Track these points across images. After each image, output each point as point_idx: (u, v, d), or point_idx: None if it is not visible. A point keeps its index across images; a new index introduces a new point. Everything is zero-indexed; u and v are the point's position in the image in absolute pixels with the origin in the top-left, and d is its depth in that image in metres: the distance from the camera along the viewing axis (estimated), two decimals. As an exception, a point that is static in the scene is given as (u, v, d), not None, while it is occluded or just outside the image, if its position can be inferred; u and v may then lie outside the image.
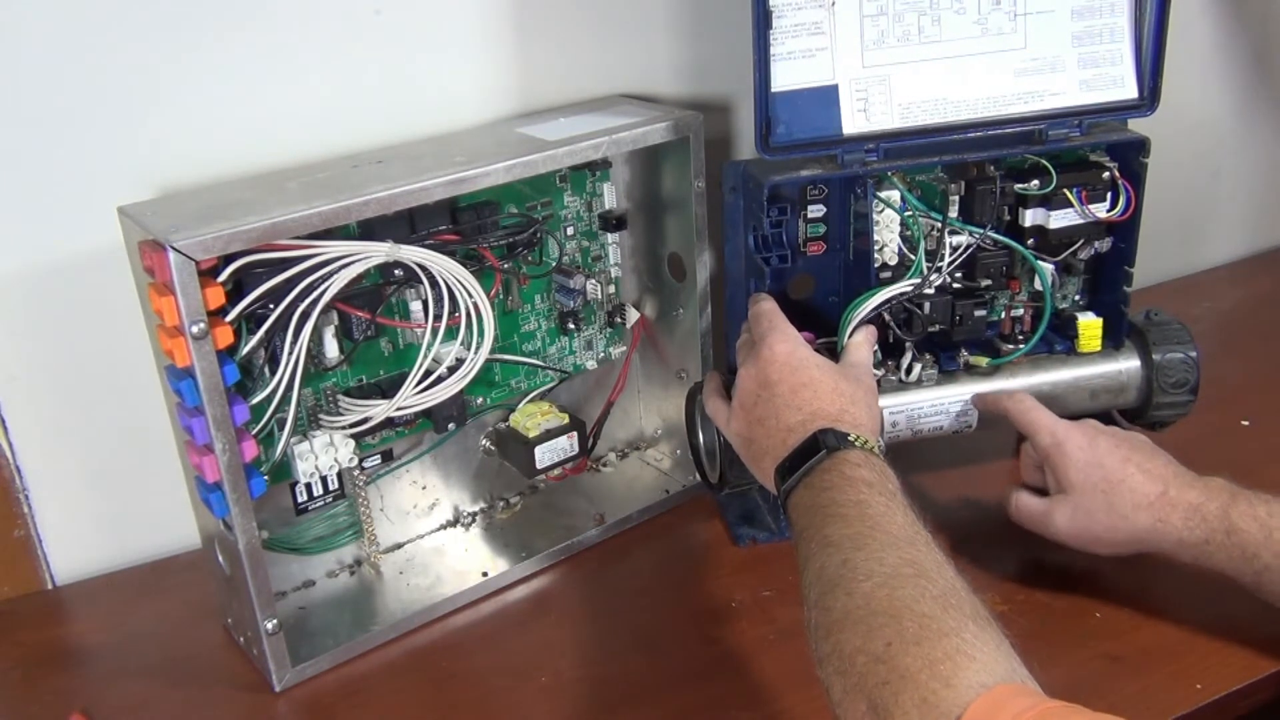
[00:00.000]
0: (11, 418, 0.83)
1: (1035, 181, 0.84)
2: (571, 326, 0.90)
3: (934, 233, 0.85)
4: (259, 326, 0.71)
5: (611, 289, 0.92)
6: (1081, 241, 0.87)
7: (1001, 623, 0.55)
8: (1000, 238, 0.86)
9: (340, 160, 0.80)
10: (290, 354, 0.72)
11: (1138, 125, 0.85)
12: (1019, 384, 0.87)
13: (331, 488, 0.82)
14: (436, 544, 0.91)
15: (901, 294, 0.85)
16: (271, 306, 0.70)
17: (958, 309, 0.87)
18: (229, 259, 0.67)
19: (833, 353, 0.80)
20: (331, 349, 0.77)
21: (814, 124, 0.81)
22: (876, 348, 0.83)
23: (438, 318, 0.77)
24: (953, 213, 0.85)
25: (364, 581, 0.87)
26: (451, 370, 0.81)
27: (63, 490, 0.87)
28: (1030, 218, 0.85)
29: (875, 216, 0.83)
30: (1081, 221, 0.85)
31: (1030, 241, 0.86)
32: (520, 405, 0.90)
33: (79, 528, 0.88)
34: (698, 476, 0.89)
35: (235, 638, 0.81)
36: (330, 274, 0.71)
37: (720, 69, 0.98)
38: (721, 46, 0.97)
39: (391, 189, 0.71)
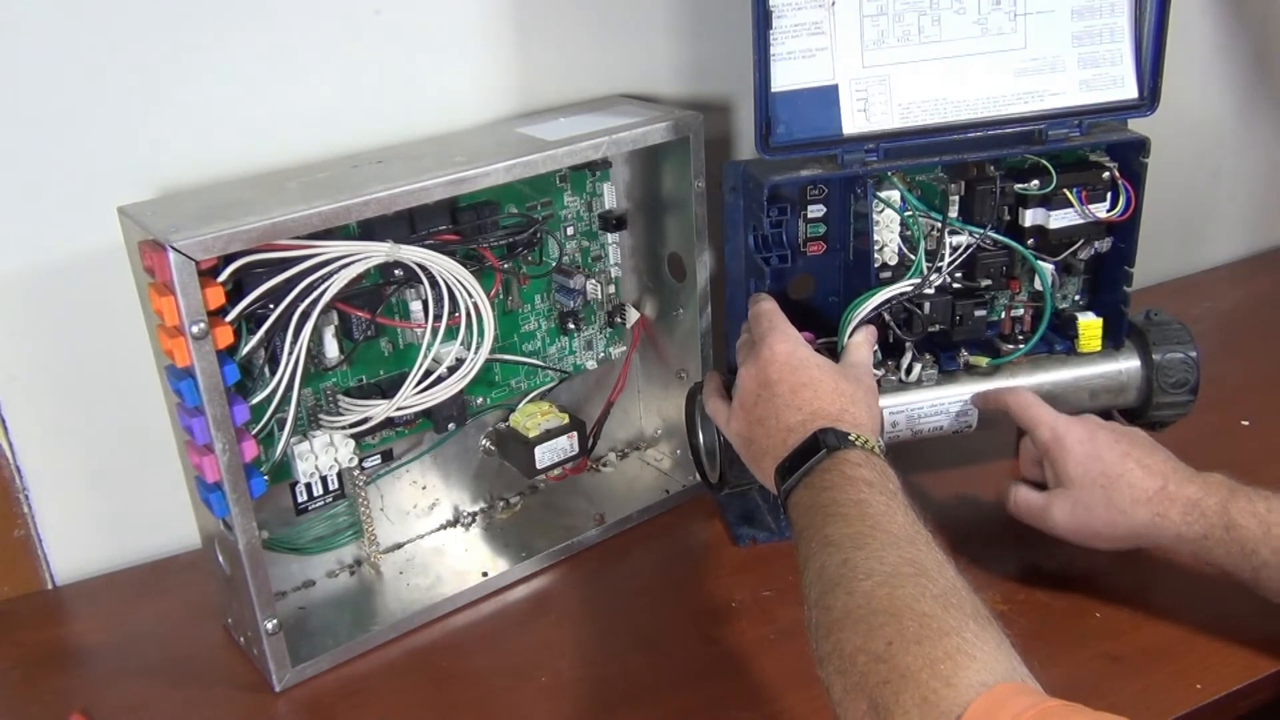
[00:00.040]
0: (11, 418, 0.83)
1: (1035, 181, 0.84)
2: (571, 326, 0.90)
3: (934, 233, 0.85)
4: (259, 326, 0.71)
5: (611, 289, 0.92)
6: (1081, 241, 0.87)
7: (1001, 622, 0.55)
8: (1000, 238, 0.86)
9: (340, 160, 0.80)
10: (290, 354, 0.72)
11: (1138, 125, 0.85)
12: (1019, 384, 0.86)
13: (331, 488, 0.82)
14: (436, 544, 0.91)
15: (901, 294, 0.85)
16: (271, 306, 0.70)
17: (958, 309, 0.87)
18: (229, 259, 0.67)
19: (833, 353, 0.80)
20: (331, 349, 0.77)
21: (814, 124, 0.81)
22: (876, 348, 0.83)
23: (438, 318, 0.77)
24: (953, 213, 0.85)
25: (364, 581, 0.87)
26: (451, 370, 0.81)
27: (63, 490, 0.87)
28: (1030, 218, 0.85)
29: (875, 216, 0.83)
30: (1081, 221, 0.85)
31: (1030, 241, 0.86)
32: (520, 405, 0.90)
33: (79, 528, 0.88)
34: (698, 476, 0.89)
35: (235, 638, 0.81)
36: (330, 274, 0.71)
37: (720, 69, 0.98)
38: (721, 46, 0.97)
39: (391, 189, 0.71)
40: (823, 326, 0.84)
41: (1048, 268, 0.87)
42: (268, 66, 0.82)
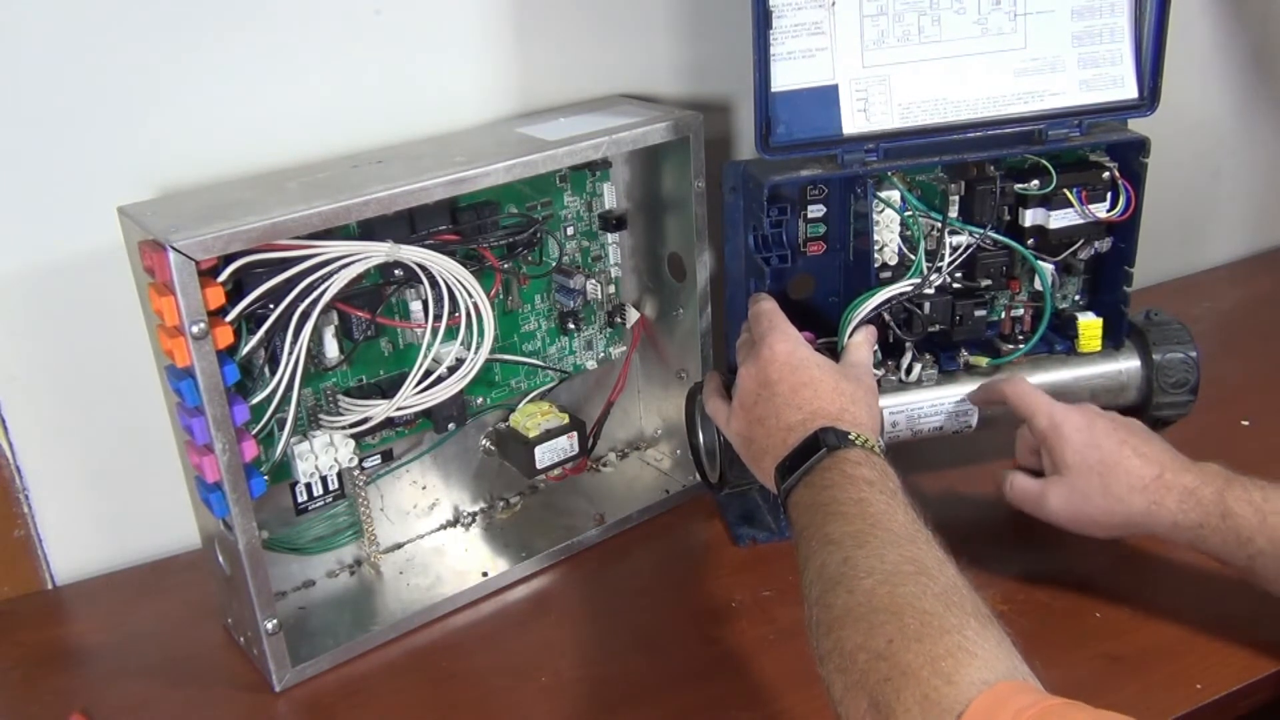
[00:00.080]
0: (11, 418, 0.83)
1: (1035, 181, 0.84)
2: (571, 326, 0.90)
3: (934, 233, 0.85)
4: (259, 326, 0.71)
5: (611, 289, 0.92)
6: (1081, 241, 0.87)
7: (1002, 621, 0.55)
8: (1000, 238, 0.86)
9: (340, 160, 0.80)
10: (290, 354, 0.72)
11: (1138, 125, 0.85)
12: (1019, 382, 0.87)
13: (331, 488, 0.82)
14: (436, 544, 0.91)
15: (901, 294, 0.85)
16: (271, 306, 0.70)
17: (958, 309, 0.87)
18: (229, 259, 0.67)
19: (833, 353, 0.80)
20: (331, 349, 0.77)
21: (814, 124, 0.81)
22: (876, 348, 0.83)
23: (438, 318, 0.77)
24: (953, 213, 0.85)
25: (364, 581, 0.87)
26: (451, 370, 0.81)
27: (63, 490, 0.87)
28: (1030, 218, 0.85)
29: (875, 216, 0.83)
30: (1081, 221, 0.85)
31: (1030, 241, 0.86)
32: (520, 405, 0.90)
33: (79, 528, 0.88)
34: (698, 476, 0.89)
35: (235, 638, 0.81)
36: (330, 274, 0.71)
37: (720, 69, 0.98)
38: (721, 46, 0.97)
39: (391, 189, 0.71)
40: (823, 326, 0.84)
41: (1048, 268, 0.87)
42: (268, 66, 0.82)
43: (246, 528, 0.71)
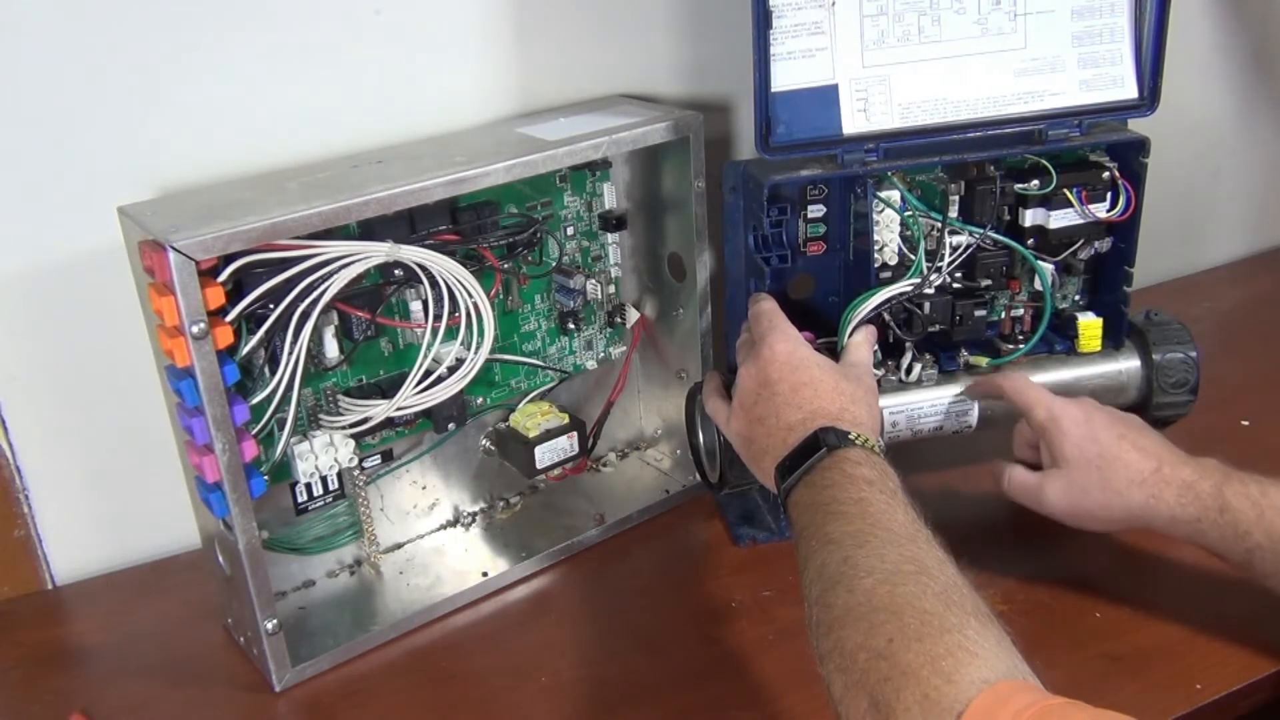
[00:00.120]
0: (11, 418, 0.83)
1: (1035, 181, 0.84)
2: (571, 326, 0.90)
3: (934, 233, 0.85)
4: (259, 326, 0.71)
5: (611, 289, 0.92)
6: (1081, 241, 0.87)
7: (1002, 621, 0.55)
8: (1000, 238, 0.86)
9: (340, 160, 0.80)
10: (290, 354, 0.72)
11: (1138, 125, 0.85)
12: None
13: (331, 488, 0.82)
14: (436, 544, 0.91)
15: (901, 294, 0.85)
16: (271, 306, 0.70)
17: (958, 309, 0.87)
18: (229, 259, 0.67)
19: (833, 352, 0.80)
20: (331, 349, 0.77)
21: (814, 124, 0.81)
22: (876, 347, 0.83)
23: (438, 318, 0.77)
24: (953, 213, 0.85)
25: (364, 581, 0.87)
26: (451, 370, 0.81)
27: (63, 490, 0.87)
28: (1030, 218, 0.85)
29: (875, 216, 0.83)
30: (1081, 221, 0.85)
31: (1030, 241, 0.86)
32: (520, 405, 0.90)
33: (79, 528, 0.88)
34: (698, 476, 0.89)
35: (235, 638, 0.81)
36: (330, 274, 0.71)
37: (720, 69, 0.98)
38: (721, 46, 0.97)
39: (391, 189, 0.71)
40: (823, 326, 0.84)
41: (1048, 268, 0.87)
42: (268, 66, 0.82)
43: (246, 528, 0.71)
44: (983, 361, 0.87)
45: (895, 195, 0.83)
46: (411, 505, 0.90)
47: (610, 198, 0.89)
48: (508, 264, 0.84)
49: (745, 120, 1.00)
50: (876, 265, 0.85)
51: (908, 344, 0.86)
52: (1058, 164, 0.83)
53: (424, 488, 0.91)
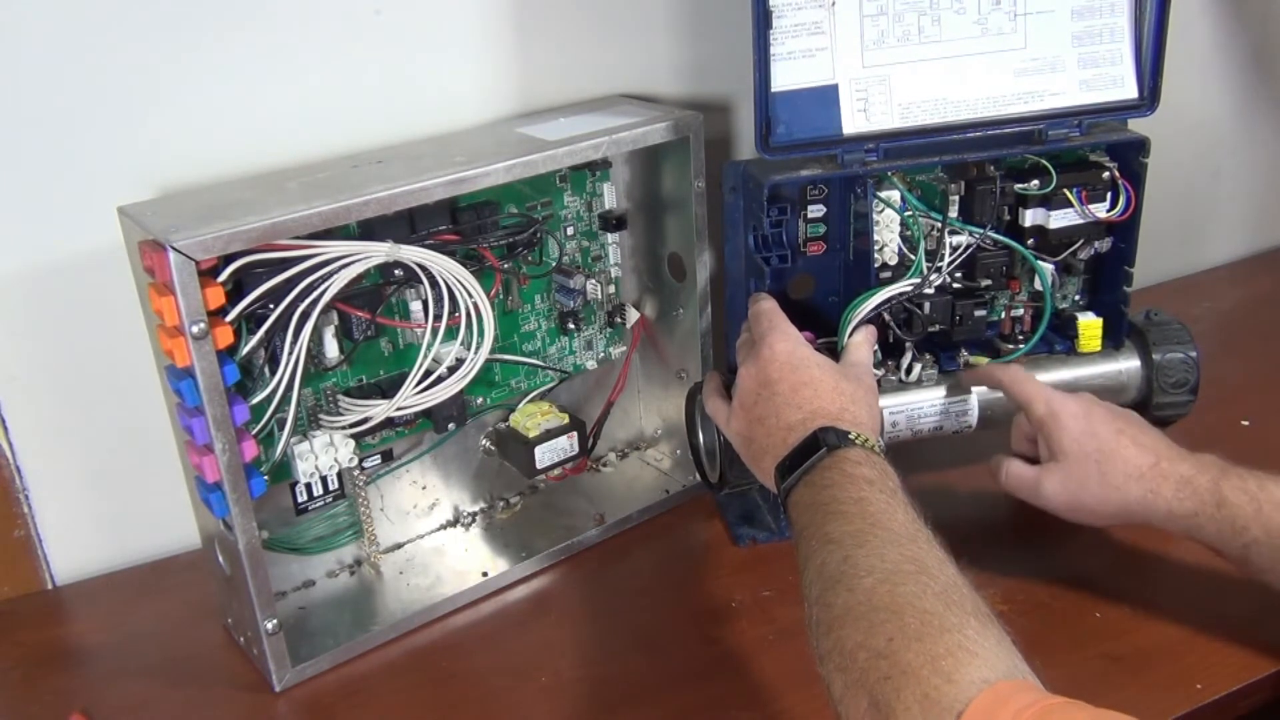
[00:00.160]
0: (11, 418, 0.83)
1: (1035, 181, 0.84)
2: (571, 326, 0.90)
3: (934, 233, 0.85)
4: (259, 326, 0.71)
5: (611, 289, 0.92)
6: (1081, 241, 0.87)
7: (1002, 621, 0.55)
8: (1000, 238, 0.86)
9: (340, 160, 0.80)
10: (290, 354, 0.72)
11: (1138, 125, 0.85)
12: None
13: (331, 488, 0.82)
14: (436, 544, 0.91)
15: (901, 294, 0.85)
16: (271, 306, 0.70)
17: (958, 309, 0.87)
18: (229, 259, 0.67)
19: (833, 352, 0.80)
20: (331, 349, 0.77)
21: (814, 124, 0.81)
22: (876, 347, 0.83)
23: (438, 318, 0.77)
24: (953, 213, 0.85)
25: (364, 581, 0.87)
26: (451, 370, 0.81)
27: (63, 490, 0.87)
28: (1030, 218, 0.85)
29: (875, 216, 0.83)
30: (1081, 221, 0.85)
31: (1030, 241, 0.86)
32: (520, 405, 0.90)
33: (79, 528, 0.88)
34: (698, 476, 0.89)
35: (235, 638, 0.81)
36: (330, 274, 0.71)
37: (720, 69, 0.98)
38: (721, 46, 0.97)
39: (391, 189, 0.71)
40: (823, 326, 0.84)
41: (1048, 268, 0.87)
42: (268, 66, 0.82)
43: (246, 528, 0.71)
44: (983, 361, 0.87)
45: (895, 195, 0.83)
46: (411, 505, 0.90)
47: (610, 198, 0.89)
48: (508, 264, 0.84)
49: (745, 120, 1.00)
50: (876, 265, 0.85)
51: (908, 344, 0.86)
52: (1058, 164, 0.84)
53: (424, 488, 0.91)
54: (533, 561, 0.88)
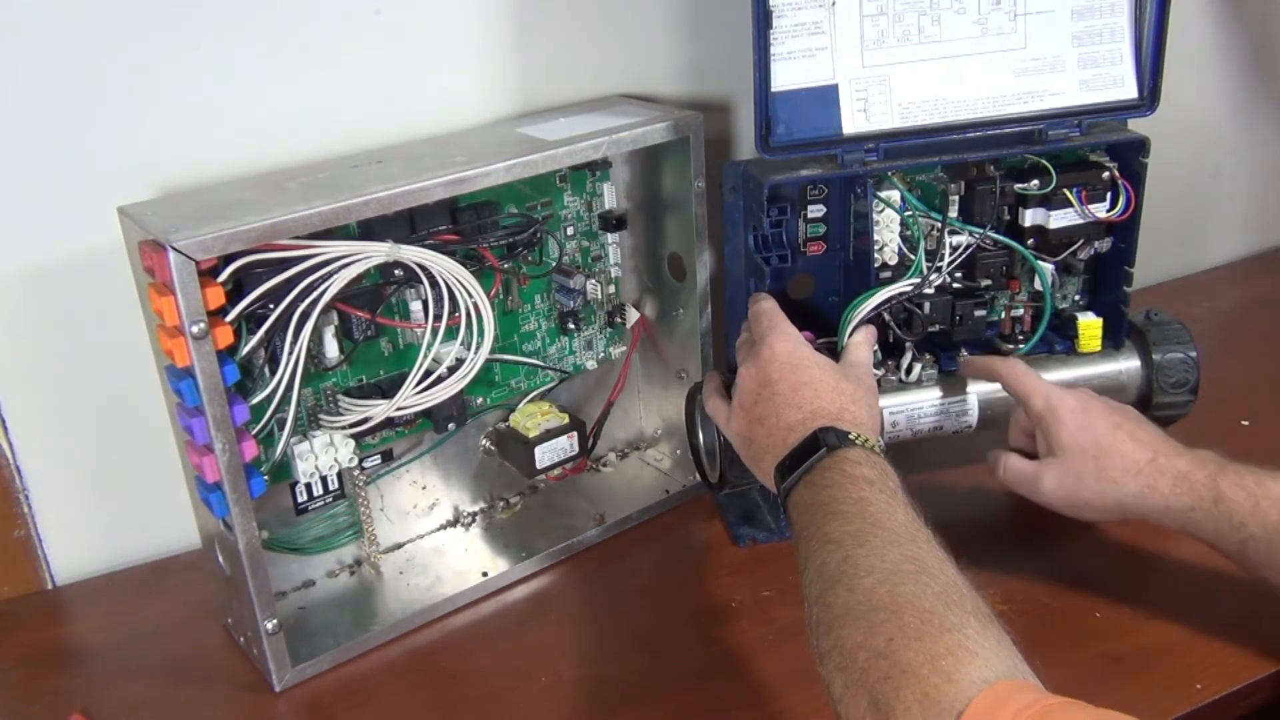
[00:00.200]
0: (11, 418, 0.83)
1: (1035, 181, 0.84)
2: (571, 326, 0.90)
3: (934, 233, 0.85)
4: (259, 326, 0.71)
5: (611, 289, 0.92)
6: (1081, 241, 0.87)
7: (1002, 621, 0.55)
8: (1000, 238, 0.86)
9: (340, 160, 0.80)
10: (290, 354, 0.72)
11: (1138, 125, 0.85)
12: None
13: (331, 488, 0.82)
14: (436, 544, 0.91)
15: (901, 294, 0.85)
16: (271, 306, 0.70)
17: (958, 309, 0.87)
18: (229, 259, 0.67)
19: (833, 352, 0.80)
20: (331, 349, 0.77)
21: (814, 124, 0.81)
22: (876, 347, 0.83)
23: (438, 318, 0.77)
24: (953, 213, 0.85)
25: (364, 581, 0.87)
26: (451, 370, 0.81)
27: (63, 490, 0.87)
28: (1030, 218, 0.85)
29: (875, 216, 0.83)
30: (1081, 221, 0.85)
31: (1030, 241, 0.86)
32: (520, 405, 0.90)
33: (79, 528, 0.88)
34: (698, 476, 0.89)
35: (235, 638, 0.81)
36: (330, 274, 0.71)
37: (720, 69, 0.98)
38: (721, 46, 0.97)
39: (391, 189, 0.71)
40: (823, 326, 0.84)
41: (1048, 268, 0.87)
42: (268, 66, 0.82)
43: (246, 528, 0.71)
44: (983, 361, 0.87)
45: (895, 195, 0.83)
46: (411, 505, 0.90)
47: (610, 198, 0.89)
48: (508, 264, 0.84)
49: (745, 120, 1.00)
50: (876, 265, 0.85)
51: (908, 344, 0.86)
52: (1058, 164, 0.84)
53: (424, 488, 0.91)
54: (533, 561, 0.88)
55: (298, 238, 0.69)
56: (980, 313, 0.88)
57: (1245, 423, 1.01)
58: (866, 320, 0.83)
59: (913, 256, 0.85)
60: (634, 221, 0.92)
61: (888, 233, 0.84)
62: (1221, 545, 0.72)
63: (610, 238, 0.91)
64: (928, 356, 0.87)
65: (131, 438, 0.86)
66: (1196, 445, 0.76)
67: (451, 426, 0.84)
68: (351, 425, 0.79)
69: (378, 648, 0.81)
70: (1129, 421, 0.77)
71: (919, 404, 0.86)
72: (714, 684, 0.76)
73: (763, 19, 0.77)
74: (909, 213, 0.84)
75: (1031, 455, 0.80)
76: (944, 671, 0.50)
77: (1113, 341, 0.89)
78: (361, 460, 0.82)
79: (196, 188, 0.79)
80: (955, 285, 0.88)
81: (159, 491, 0.86)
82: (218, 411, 0.68)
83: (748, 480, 0.80)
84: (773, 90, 0.79)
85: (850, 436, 0.67)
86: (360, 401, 0.79)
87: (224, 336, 0.67)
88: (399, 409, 0.79)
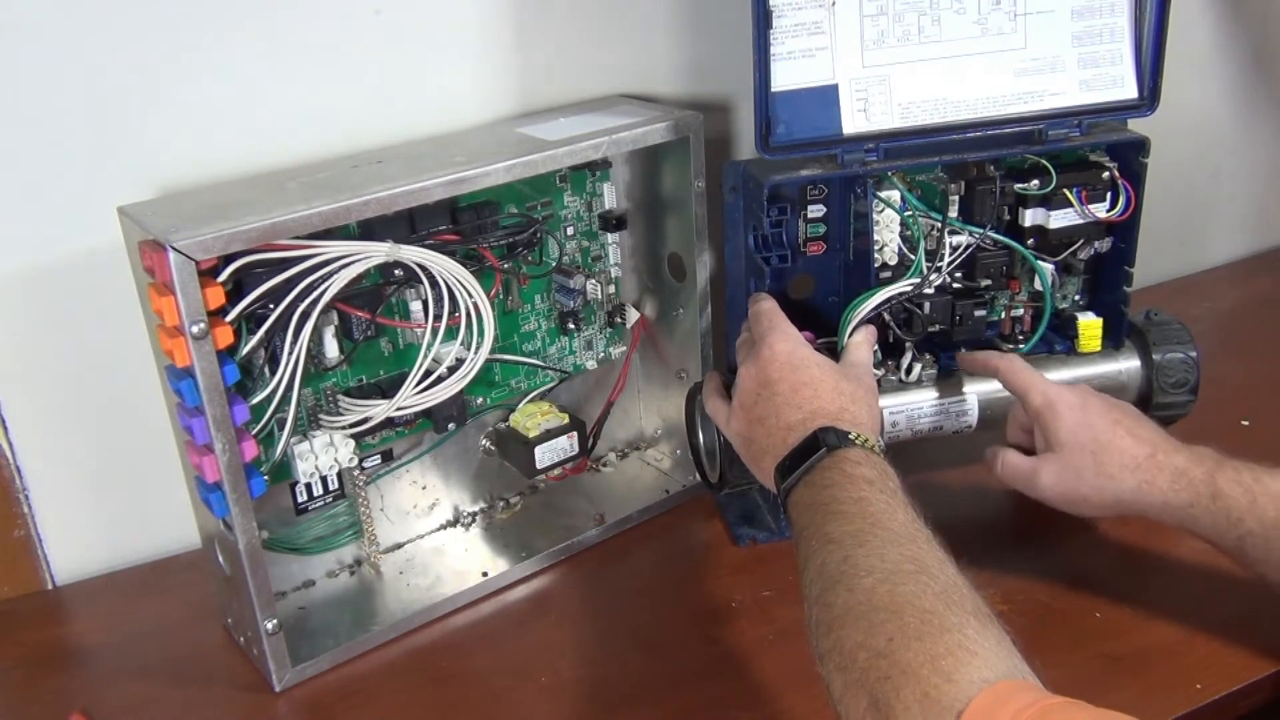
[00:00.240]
0: (11, 418, 0.83)
1: (1035, 181, 0.84)
2: (571, 326, 0.90)
3: (934, 233, 0.85)
4: (259, 326, 0.71)
5: (611, 289, 0.92)
6: (1081, 241, 0.87)
7: (1002, 621, 0.55)
8: (1000, 238, 0.86)
9: (340, 160, 0.80)
10: (290, 354, 0.72)
11: (1138, 125, 0.85)
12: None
13: (331, 488, 0.82)
14: (436, 544, 0.91)
15: (901, 294, 0.85)
16: (271, 306, 0.70)
17: (958, 309, 0.87)
18: (229, 259, 0.67)
19: (833, 352, 0.80)
20: (331, 349, 0.77)
21: (814, 124, 0.81)
22: (876, 347, 0.83)
23: (438, 318, 0.77)
24: (953, 213, 0.85)
25: (364, 581, 0.87)
26: (451, 370, 0.81)
27: (63, 490, 0.87)
28: (1030, 218, 0.85)
29: (875, 216, 0.83)
30: (1081, 221, 0.85)
31: (1030, 241, 0.86)
32: (520, 405, 0.90)
33: (79, 528, 0.88)
34: (698, 476, 0.89)
35: (235, 638, 0.81)
36: (330, 274, 0.71)
37: (720, 69, 0.98)
38: (721, 46, 0.97)
39: (391, 189, 0.71)
40: (823, 326, 0.84)
41: (1048, 268, 0.87)
42: (268, 66, 0.82)
43: (246, 528, 0.71)
44: (983, 362, 0.87)
45: (895, 195, 0.83)
46: (411, 505, 0.90)
47: (610, 198, 0.89)
48: (508, 264, 0.84)
49: (745, 120, 1.00)
50: (876, 265, 0.85)
51: (908, 344, 0.86)
52: (1058, 164, 0.84)
53: (424, 488, 0.91)
54: (533, 561, 0.88)
55: (298, 238, 0.69)
56: (980, 313, 0.88)
57: (1245, 422, 1.01)
58: (866, 320, 0.83)
59: (913, 256, 0.85)
60: (634, 221, 0.92)
61: (888, 233, 0.84)
62: (1219, 541, 0.72)
63: (610, 238, 0.91)
64: (928, 356, 0.87)
65: (131, 438, 0.86)
66: (1196, 445, 0.76)
67: (451, 426, 0.84)
68: (351, 425, 0.79)
69: (378, 648, 0.81)
70: (1127, 418, 0.77)
71: (919, 404, 0.86)
72: (714, 684, 0.76)
73: (763, 19, 0.77)
74: (909, 213, 0.84)
75: (1029, 451, 0.80)
76: (944, 671, 0.50)
77: (1113, 341, 0.89)
78: (361, 460, 0.82)
79: (196, 188, 0.79)
80: (955, 285, 0.88)
81: (159, 491, 0.86)
82: (218, 411, 0.68)
83: (748, 480, 0.80)
84: (773, 90, 0.79)
85: (850, 436, 0.67)
86: (360, 401, 0.79)
87: (224, 336, 0.67)
88: (399, 409, 0.79)
